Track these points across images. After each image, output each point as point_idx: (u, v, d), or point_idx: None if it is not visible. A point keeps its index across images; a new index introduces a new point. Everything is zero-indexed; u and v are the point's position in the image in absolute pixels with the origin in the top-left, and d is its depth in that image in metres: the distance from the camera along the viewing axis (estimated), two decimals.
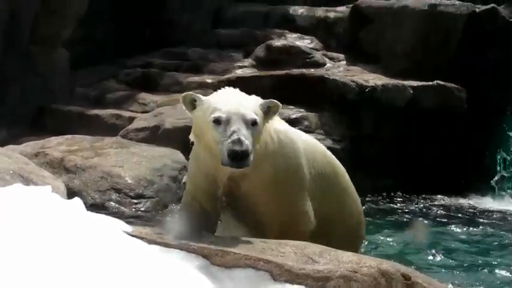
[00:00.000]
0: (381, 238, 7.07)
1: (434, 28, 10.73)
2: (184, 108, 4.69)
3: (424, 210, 9.03)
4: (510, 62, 10.51)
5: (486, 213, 9.10)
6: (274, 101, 4.66)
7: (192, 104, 4.64)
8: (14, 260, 3.63)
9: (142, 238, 4.26)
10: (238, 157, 4.32)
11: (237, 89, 4.79)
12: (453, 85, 10.24)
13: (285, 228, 4.83)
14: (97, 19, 11.45)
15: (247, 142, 4.36)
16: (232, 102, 4.54)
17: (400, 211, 8.86)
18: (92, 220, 4.29)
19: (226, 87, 4.82)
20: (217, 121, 4.45)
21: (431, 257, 6.57)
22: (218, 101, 4.56)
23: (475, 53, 10.59)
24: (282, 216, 4.84)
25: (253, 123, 4.47)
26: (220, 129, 4.43)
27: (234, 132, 4.38)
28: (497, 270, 6.43)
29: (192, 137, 4.83)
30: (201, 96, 4.66)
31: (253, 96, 4.73)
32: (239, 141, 4.34)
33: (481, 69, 10.51)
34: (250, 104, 4.57)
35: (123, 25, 11.86)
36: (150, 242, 4.23)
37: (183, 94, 4.67)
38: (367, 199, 9.07)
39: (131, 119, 9.56)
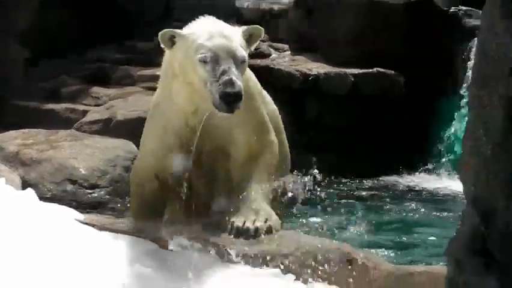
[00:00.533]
0: (322, 219, 7.31)
1: (374, 17, 10.93)
2: (162, 46, 4.34)
3: (364, 192, 9.36)
4: (446, 47, 10.83)
5: (422, 192, 9.50)
6: (256, 26, 4.50)
7: (171, 41, 4.30)
8: None
9: (93, 225, 4.43)
10: (231, 99, 4.03)
11: (214, 18, 4.46)
12: (392, 71, 10.50)
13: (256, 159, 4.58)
14: (52, 13, 11.38)
15: (240, 82, 4.07)
16: (217, 36, 4.21)
17: (343, 195, 9.15)
18: (45, 209, 4.44)
19: (201, 17, 4.47)
20: (203, 60, 4.15)
21: (368, 235, 6.82)
22: (201, 36, 4.23)
23: (413, 39, 10.83)
24: (254, 146, 4.56)
25: (243, 60, 4.22)
26: (208, 68, 4.12)
27: (224, 71, 4.07)
28: (428, 245, 6.85)
29: (164, 79, 4.46)
30: (179, 31, 4.32)
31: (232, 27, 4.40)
32: (231, 82, 4.03)
33: (420, 55, 10.73)
34: (236, 37, 4.27)
35: (78, 18, 11.79)
36: (101, 229, 4.42)
37: (161, 32, 4.31)
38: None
39: (85, 113, 9.68)
